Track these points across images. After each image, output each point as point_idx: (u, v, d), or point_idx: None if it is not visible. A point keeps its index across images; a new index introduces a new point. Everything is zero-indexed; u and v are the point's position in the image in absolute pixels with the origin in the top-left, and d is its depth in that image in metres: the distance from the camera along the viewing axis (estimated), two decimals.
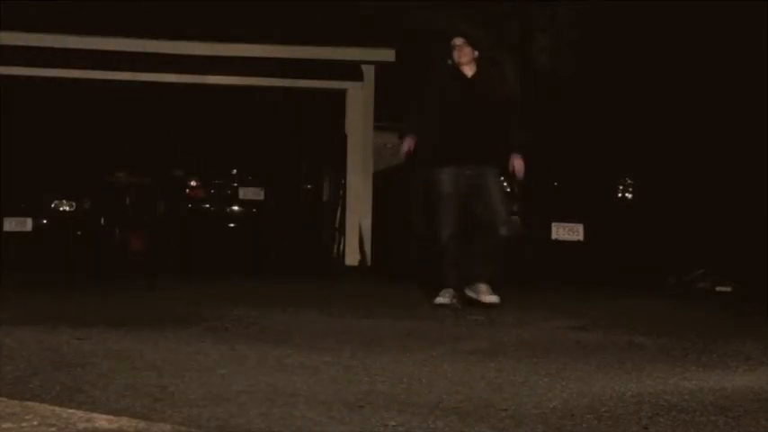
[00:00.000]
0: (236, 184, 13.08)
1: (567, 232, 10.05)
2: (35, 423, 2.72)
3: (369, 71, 11.44)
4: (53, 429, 2.67)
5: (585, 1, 11.25)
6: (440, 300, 6.20)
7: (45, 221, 11.88)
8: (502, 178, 6.70)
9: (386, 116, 11.43)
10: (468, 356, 4.28)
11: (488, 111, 6.38)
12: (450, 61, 6.50)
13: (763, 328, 5.54)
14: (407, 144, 6.43)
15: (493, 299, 6.10)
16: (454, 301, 6.20)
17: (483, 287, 6.17)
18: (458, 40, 6.48)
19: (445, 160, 6.37)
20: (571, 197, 10.95)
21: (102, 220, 12.03)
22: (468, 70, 6.46)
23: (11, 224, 10.99)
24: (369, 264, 11.00)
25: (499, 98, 6.46)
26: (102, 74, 11.08)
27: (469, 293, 6.23)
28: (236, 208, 13.02)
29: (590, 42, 11.08)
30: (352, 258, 11.22)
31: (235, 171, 13.32)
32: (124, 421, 2.78)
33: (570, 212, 10.25)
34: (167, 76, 11.17)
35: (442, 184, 6.38)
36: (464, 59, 6.43)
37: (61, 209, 12.18)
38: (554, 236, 10.03)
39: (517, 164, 6.41)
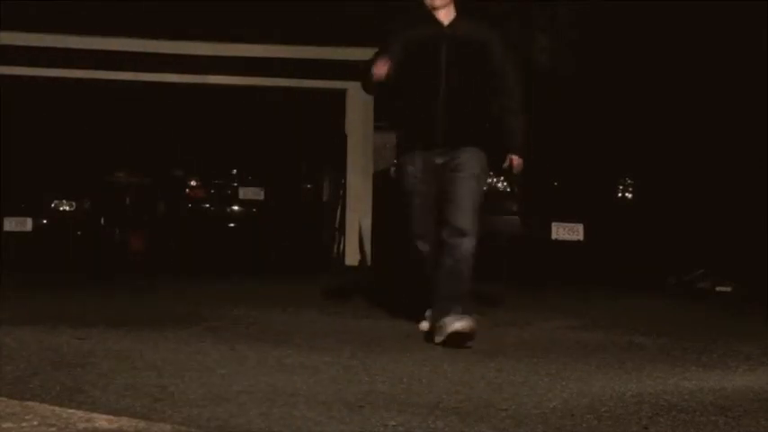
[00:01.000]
0: (236, 184, 13.11)
1: (567, 232, 10.05)
2: (35, 423, 2.72)
3: None
4: (53, 429, 2.67)
5: (585, 1, 11.25)
6: (427, 325, 4.89)
7: (45, 221, 11.90)
8: (493, 174, 5.35)
9: (386, 116, 11.43)
10: (468, 356, 4.27)
11: (470, 72, 4.83)
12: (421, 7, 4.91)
13: (763, 328, 5.54)
14: (382, 65, 4.80)
15: (458, 326, 4.46)
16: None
17: (452, 316, 4.52)
18: None
19: (411, 141, 4.93)
20: (571, 197, 10.96)
21: (102, 220, 12.06)
22: (444, 16, 4.87)
23: (11, 224, 11.00)
24: (369, 264, 11.00)
25: (488, 57, 4.83)
26: (102, 74, 11.09)
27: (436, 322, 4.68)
28: (236, 208, 13.05)
29: (590, 42, 11.08)
30: (352, 258, 11.22)
31: (235, 171, 13.34)
32: (124, 421, 2.78)
33: (570, 212, 10.25)
34: (168, 76, 11.18)
35: (406, 176, 4.92)
36: (438, 2, 4.83)
37: (61, 209, 12.20)
38: (554, 236, 10.03)
39: (516, 163, 4.90)
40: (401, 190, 4.99)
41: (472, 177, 4.78)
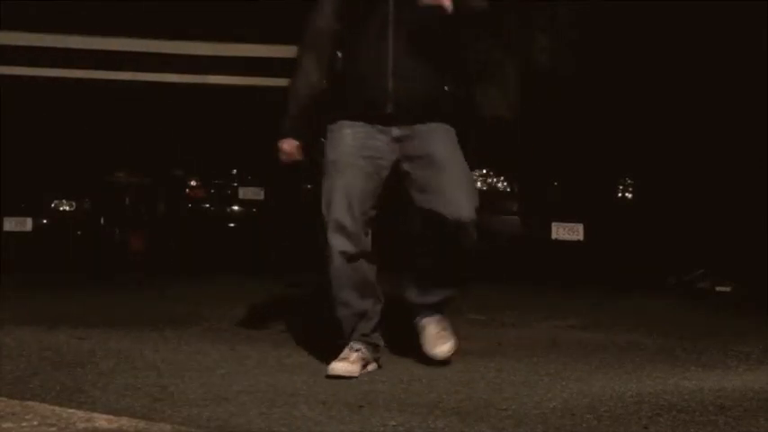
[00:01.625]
0: (236, 184, 13.10)
1: (567, 232, 10.05)
2: (35, 423, 2.72)
3: None
4: (53, 429, 2.67)
5: (585, 1, 11.25)
6: (336, 368, 3.60)
7: (45, 221, 11.90)
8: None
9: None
10: (468, 356, 4.27)
11: (431, 26, 3.65)
12: None
13: (763, 328, 5.53)
14: (287, 149, 3.88)
15: (446, 349, 3.90)
16: (367, 364, 3.72)
17: (432, 328, 3.96)
18: None
19: (350, 109, 3.80)
20: (571, 197, 10.95)
21: (102, 220, 12.05)
22: None
23: (11, 224, 11.00)
24: None
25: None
26: (102, 74, 11.09)
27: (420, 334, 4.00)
28: (236, 208, 13.04)
29: (590, 42, 11.08)
30: None
31: (235, 171, 13.33)
32: (124, 421, 2.79)
33: (570, 212, 10.25)
34: (168, 76, 11.18)
35: (334, 148, 3.76)
36: None
37: (61, 209, 12.20)
38: (554, 236, 10.03)
39: None
40: (328, 160, 3.76)
41: (450, 146, 3.77)
